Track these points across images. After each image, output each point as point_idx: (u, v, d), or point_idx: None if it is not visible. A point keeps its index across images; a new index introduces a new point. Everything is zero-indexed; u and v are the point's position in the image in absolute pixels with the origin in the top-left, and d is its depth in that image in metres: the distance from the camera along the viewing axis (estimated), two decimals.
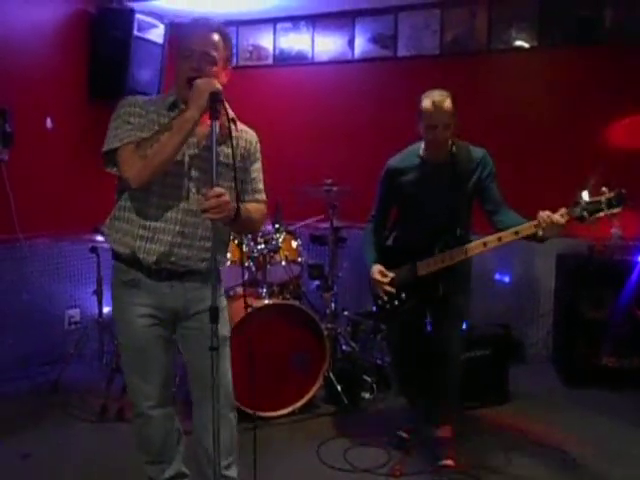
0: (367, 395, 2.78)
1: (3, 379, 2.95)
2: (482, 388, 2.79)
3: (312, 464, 2.24)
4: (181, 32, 1.64)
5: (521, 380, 2.99)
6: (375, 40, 3.83)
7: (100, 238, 2.98)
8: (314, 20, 3.97)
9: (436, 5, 3.64)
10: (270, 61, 4.11)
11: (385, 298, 2.23)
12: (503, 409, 2.76)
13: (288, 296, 2.83)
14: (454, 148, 2.15)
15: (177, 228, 1.60)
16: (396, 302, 2.24)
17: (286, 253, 2.86)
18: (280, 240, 2.85)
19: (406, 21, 3.74)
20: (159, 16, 3.69)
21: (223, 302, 1.74)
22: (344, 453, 2.30)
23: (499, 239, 2.02)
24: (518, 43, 3.55)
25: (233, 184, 1.59)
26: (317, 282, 3.24)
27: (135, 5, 3.60)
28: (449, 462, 2.19)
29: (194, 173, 1.61)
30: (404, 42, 3.75)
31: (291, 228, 3.03)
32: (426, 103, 2.08)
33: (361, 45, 3.86)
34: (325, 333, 2.71)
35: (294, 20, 4.02)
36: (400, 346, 2.41)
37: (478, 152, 2.18)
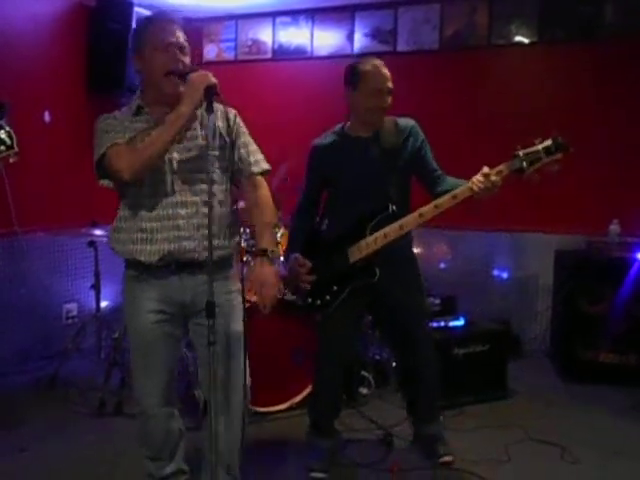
0: (365, 390, 2.78)
1: (1, 373, 2.94)
2: (481, 384, 2.79)
3: (310, 459, 2.24)
4: (151, 25, 1.62)
5: (520, 376, 3.00)
6: (374, 35, 3.82)
7: (98, 232, 2.97)
8: (313, 14, 3.96)
9: (436, 0, 3.62)
10: (269, 55, 4.09)
11: (310, 291, 2.02)
12: (502, 404, 2.77)
13: (286, 291, 2.82)
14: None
15: (170, 223, 1.59)
16: (327, 297, 2.02)
17: (284, 249, 2.85)
18: (279, 235, 2.85)
19: (406, 16, 3.72)
20: (156, 9, 3.66)
21: (238, 298, 1.69)
22: (342, 448, 2.30)
23: (435, 206, 1.88)
24: (518, 38, 3.54)
25: (237, 165, 1.64)
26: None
27: None
28: (449, 458, 2.18)
29: (175, 165, 1.60)
30: (404, 37, 3.73)
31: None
32: (367, 66, 1.96)
33: (360, 40, 3.85)
34: None
35: (293, 14, 4.00)
36: (331, 350, 2.11)
37: (407, 123, 2.05)
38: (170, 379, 1.69)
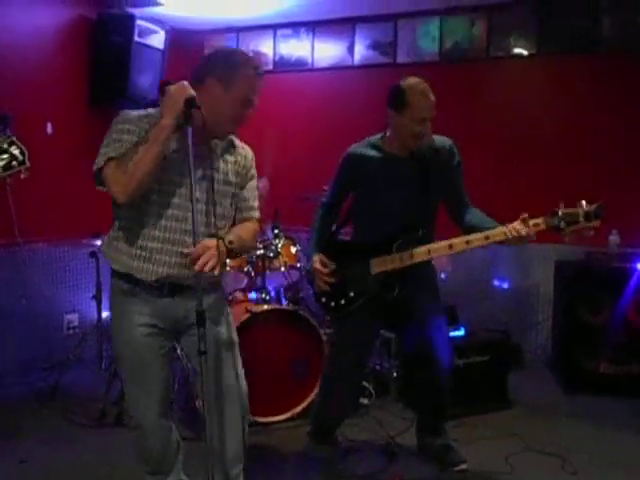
0: (365, 401, 2.79)
1: (2, 384, 2.96)
2: (482, 394, 2.80)
3: (310, 470, 2.25)
4: (244, 69, 1.58)
5: (520, 386, 3.00)
6: (374, 47, 3.87)
7: (99, 243, 2.99)
8: (314, 26, 4.01)
9: (436, 12, 3.68)
10: (270, 67, 4.14)
11: (327, 291, 2.05)
12: (503, 415, 2.77)
13: (287, 301, 2.84)
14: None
15: (175, 249, 1.58)
16: (342, 301, 2.06)
17: (285, 259, 2.88)
18: (279, 246, 2.87)
19: (406, 28, 3.78)
20: (160, 22, 3.72)
21: (225, 308, 1.73)
22: (343, 459, 2.31)
23: (467, 242, 1.90)
24: (517, 51, 3.59)
25: (237, 204, 1.64)
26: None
27: (136, 11, 3.63)
28: (464, 466, 2.19)
29: (194, 193, 1.58)
30: (404, 49, 3.79)
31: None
32: (416, 94, 1.95)
33: (361, 51, 3.91)
34: (324, 339, 2.73)
35: (294, 26, 4.06)
36: (343, 358, 2.14)
37: (444, 142, 2.06)
38: (165, 391, 1.68)
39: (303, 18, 3.94)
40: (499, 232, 1.89)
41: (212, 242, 1.53)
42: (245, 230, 1.70)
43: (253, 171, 1.75)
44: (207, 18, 3.95)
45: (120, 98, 3.58)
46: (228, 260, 2.56)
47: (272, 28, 4.12)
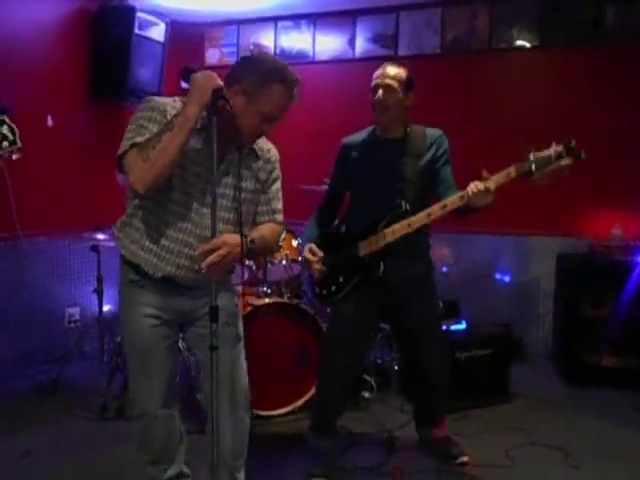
0: (367, 394, 2.79)
1: (3, 377, 2.96)
2: (483, 388, 2.80)
3: (311, 463, 2.25)
4: (276, 85, 1.51)
5: (522, 379, 3.00)
6: (376, 39, 3.84)
7: (101, 236, 2.99)
8: (315, 19, 3.99)
9: (437, 4, 3.65)
10: None
11: (320, 280, 2.09)
12: (505, 408, 2.77)
13: (288, 295, 2.84)
14: (409, 128, 2.10)
15: (186, 251, 1.56)
16: (333, 287, 2.09)
17: (286, 252, 2.87)
18: (280, 239, 2.86)
19: (407, 20, 3.75)
20: (160, 14, 3.70)
21: (234, 302, 1.72)
22: (344, 452, 2.31)
23: (443, 206, 1.92)
24: (520, 42, 3.56)
25: (256, 207, 1.61)
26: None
27: (136, 3, 3.61)
28: (465, 459, 2.20)
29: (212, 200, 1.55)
30: (405, 41, 3.76)
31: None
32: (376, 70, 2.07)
33: (362, 44, 3.88)
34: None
35: (295, 19, 4.03)
36: (335, 350, 2.13)
37: (434, 132, 2.10)
38: (170, 380, 1.68)
39: (304, 10, 3.91)
40: (455, 197, 1.91)
41: (234, 238, 1.48)
42: (270, 231, 1.66)
43: (276, 173, 1.70)
44: (208, 10, 3.92)
45: (120, 91, 3.56)
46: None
47: (273, 20, 4.09)
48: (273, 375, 2.59)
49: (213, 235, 1.45)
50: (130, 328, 1.65)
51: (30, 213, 3.16)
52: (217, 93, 1.45)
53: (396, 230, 2.00)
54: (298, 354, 2.66)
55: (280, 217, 1.72)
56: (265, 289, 2.77)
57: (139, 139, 1.49)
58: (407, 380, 2.78)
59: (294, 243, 2.97)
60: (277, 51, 4.12)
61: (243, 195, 1.59)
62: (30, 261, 3.20)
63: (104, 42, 3.54)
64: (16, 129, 1.38)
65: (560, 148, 1.83)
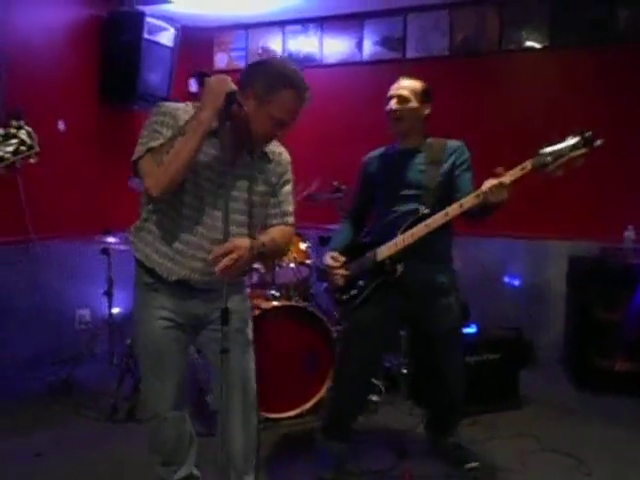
0: (375, 397, 2.79)
1: (15, 378, 3.01)
2: (493, 392, 2.79)
3: (320, 466, 2.25)
4: (285, 90, 1.53)
5: (533, 384, 2.98)
6: (383, 42, 3.86)
7: (111, 239, 3.04)
8: (322, 22, 4.02)
9: (445, 6, 3.66)
10: None
11: (339, 286, 2.12)
12: (515, 414, 2.75)
13: (297, 298, 2.85)
14: (429, 139, 2.14)
15: (200, 254, 1.58)
16: (352, 291, 2.13)
17: (295, 255, 2.89)
18: (291, 242, 2.87)
19: (415, 22, 3.76)
20: (169, 19, 3.75)
21: (245, 305, 1.74)
22: (353, 456, 2.31)
23: (461, 205, 1.92)
24: (529, 43, 3.55)
25: (271, 210, 1.63)
26: (326, 284, 3.26)
27: (146, 9, 3.67)
28: (476, 464, 2.20)
29: (227, 205, 1.56)
30: (413, 44, 3.77)
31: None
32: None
33: (370, 47, 3.90)
34: (334, 335, 2.73)
35: (303, 22, 4.07)
36: (355, 354, 2.15)
37: (455, 143, 2.14)
38: (181, 382, 1.70)
39: (311, 14, 3.94)
40: (471, 197, 1.91)
41: (245, 242, 1.50)
42: (280, 234, 1.67)
43: (288, 176, 1.71)
44: (216, 15, 3.97)
45: (130, 95, 3.62)
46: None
47: (281, 24, 4.13)
48: (281, 378, 2.60)
49: (226, 238, 1.47)
50: (143, 330, 1.67)
51: (42, 216, 3.22)
52: (231, 97, 1.46)
53: (414, 233, 2.02)
54: (307, 357, 2.67)
55: (291, 219, 1.73)
56: (273, 292, 2.79)
57: (153, 144, 1.51)
58: (418, 384, 2.78)
59: (302, 246, 2.99)
60: (285, 55, 4.16)
61: (255, 198, 1.61)
62: (42, 263, 3.25)
63: (114, 47, 3.59)
64: (34, 134, 1.41)
65: (576, 140, 1.82)
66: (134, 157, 1.54)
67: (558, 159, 1.82)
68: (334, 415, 2.25)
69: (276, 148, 1.70)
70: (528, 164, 1.86)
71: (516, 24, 3.54)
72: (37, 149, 1.41)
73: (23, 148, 1.39)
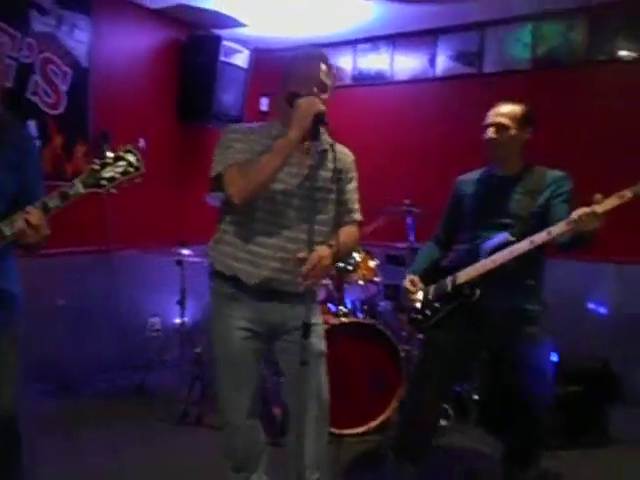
0: (443, 422, 2.78)
1: (91, 380, 3.30)
2: (576, 427, 2.68)
3: None
4: (294, 62, 1.74)
5: (624, 423, 2.82)
6: (458, 57, 3.90)
7: (185, 252, 3.27)
8: (394, 40, 4.14)
9: (528, 18, 3.62)
10: (349, 82, 4.32)
11: (414, 307, 2.18)
12: (601, 452, 2.63)
13: (364, 315, 2.93)
14: (528, 166, 2.12)
15: (278, 254, 1.70)
16: (427, 311, 2.16)
17: (364, 272, 2.98)
18: (358, 259, 2.98)
19: (493, 36, 3.77)
20: (244, 42, 4.04)
21: (319, 319, 1.84)
22: (417, 478, 2.32)
23: (548, 233, 1.90)
24: (621, 53, 3.41)
25: (338, 207, 1.74)
26: (393, 303, 3.31)
27: (221, 32, 3.98)
28: None
29: (296, 201, 1.71)
30: (491, 58, 3.77)
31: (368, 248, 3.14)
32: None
33: (443, 62, 3.96)
34: (402, 355, 2.77)
35: (374, 41, 4.21)
36: (424, 377, 2.17)
37: (557, 173, 2.11)
38: (255, 392, 1.81)
39: (383, 32, 4.08)
40: (562, 224, 1.88)
41: (327, 251, 1.63)
42: (348, 234, 1.78)
43: (352, 174, 1.83)
44: (287, 37, 4.22)
45: (205, 114, 3.92)
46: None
47: (352, 44, 4.30)
48: (347, 394, 2.65)
49: (310, 238, 1.58)
50: (221, 341, 1.77)
51: (122, 228, 3.54)
52: (318, 118, 1.60)
53: (496, 259, 2.01)
54: (373, 375, 2.72)
55: (358, 216, 1.84)
56: (341, 308, 2.88)
57: (232, 161, 1.67)
58: (491, 412, 2.74)
59: (371, 264, 3.08)
60: (355, 73, 4.33)
61: (322, 195, 1.73)
62: (118, 272, 3.56)
63: (191, 69, 3.91)
64: (140, 157, 1.62)
65: None
66: (214, 173, 1.72)
67: None
68: (405, 437, 2.26)
69: (338, 147, 1.76)
70: (628, 193, 1.82)
71: (607, 34, 3.41)
72: (143, 170, 1.60)
73: (131, 169, 1.59)
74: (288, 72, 1.74)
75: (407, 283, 2.20)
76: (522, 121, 2.09)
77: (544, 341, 2.14)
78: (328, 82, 1.72)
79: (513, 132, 2.07)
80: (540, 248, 1.99)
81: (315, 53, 1.77)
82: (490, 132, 2.09)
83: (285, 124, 1.70)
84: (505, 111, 2.09)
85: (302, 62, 1.74)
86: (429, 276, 2.23)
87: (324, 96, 1.70)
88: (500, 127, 2.08)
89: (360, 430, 2.70)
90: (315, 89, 1.68)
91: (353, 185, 1.85)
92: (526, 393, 2.10)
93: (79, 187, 1.56)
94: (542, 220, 2.04)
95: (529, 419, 2.12)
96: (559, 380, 2.66)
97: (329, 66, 1.73)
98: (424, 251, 2.34)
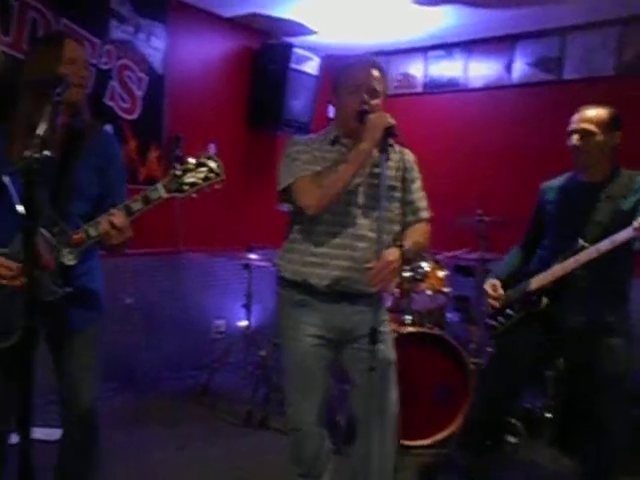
0: (513, 439, 2.71)
1: (157, 379, 3.46)
2: None
3: None
4: (345, 69, 1.82)
5: None
6: (537, 63, 3.84)
7: (253, 256, 3.40)
8: (469, 46, 4.12)
9: (614, 22, 3.52)
10: (419, 89, 4.34)
11: (491, 312, 2.21)
12: None
13: (430, 325, 2.92)
14: (615, 171, 2.06)
15: (347, 253, 1.76)
16: (500, 318, 2.18)
17: (432, 282, 2.97)
18: (426, 268, 2.97)
19: (575, 42, 3.69)
20: (314, 49, 4.15)
21: (387, 327, 1.88)
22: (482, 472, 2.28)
23: (612, 241, 1.88)
24: None
25: (399, 205, 1.78)
26: (461, 314, 3.27)
27: (293, 40, 4.11)
28: None
29: (360, 199, 1.78)
30: (572, 64, 3.69)
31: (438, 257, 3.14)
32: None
33: (521, 69, 3.90)
34: (470, 367, 2.74)
35: (447, 47, 4.21)
36: (490, 374, 2.25)
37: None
38: (324, 400, 1.85)
39: (456, 39, 4.07)
40: (627, 230, 1.85)
41: (395, 254, 1.66)
42: (418, 234, 1.84)
43: (415, 173, 1.90)
44: (359, 44, 4.29)
45: (275, 121, 4.05)
46: None
47: (423, 50, 4.31)
48: (413, 405, 2.65)
49: (379, 237, 1.64)
50: (292, 347, 1.83)
51: (191, 231, 3.71)
52: (388, 130, 1.69)
53: (565, 266, 2.02)
54: (440, 386, 2.71)
55: (425, 214, 1.88)
56: (408, 317, 2.89)
57: (300, 174, 1.75)
58: (566, 431, 2.67)
59: (440, 274, 3.07)
60: (426, 80, 4.33)
61: (388, 193, 1.76)
62: (186, 274, 3.73)
63: (263, 76, 4.05)
64: (221, 164, 1.69)
65: None
66: (282, 185, 1.81)
67: None
68: (468, 430, 2.31)
69: (398, 148, 1.82)
70: None
71: None
72: (223, 177, 1.67)
73: (211, 175, 1.67)
74: (339, 79, 1.82)
75: (488, 287, 2.22)
76: (609, 125, 2.03)
77: (627, 354, 2.07)
78: (379, 88, 1.77)
79: (599, 138, 2.02)
80: (624, 257, 1.95)
81: (366, 60, 1.83)
82: (574, 139, 2.05)
83: (340, 128, 1.82)
84: (590, 116, 2.04)
85: (353, 69, 1.80)
86: (512, 281, 2.23)
87: (375, 102, 1.76)
88: (585, 133, 2.03)
89: (425, 442, 2.69)
90: (365, 95, 1.75)
91: (418, 184, 1.90)
92: (603, 411, 2.04)
93: (162, 191, 1.62)
94: (624, 225, 1.95)
95: (607, 440, 2.06)
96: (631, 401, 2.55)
97: (381, 72, 1.80)
98: (509, 256, 2.35)
